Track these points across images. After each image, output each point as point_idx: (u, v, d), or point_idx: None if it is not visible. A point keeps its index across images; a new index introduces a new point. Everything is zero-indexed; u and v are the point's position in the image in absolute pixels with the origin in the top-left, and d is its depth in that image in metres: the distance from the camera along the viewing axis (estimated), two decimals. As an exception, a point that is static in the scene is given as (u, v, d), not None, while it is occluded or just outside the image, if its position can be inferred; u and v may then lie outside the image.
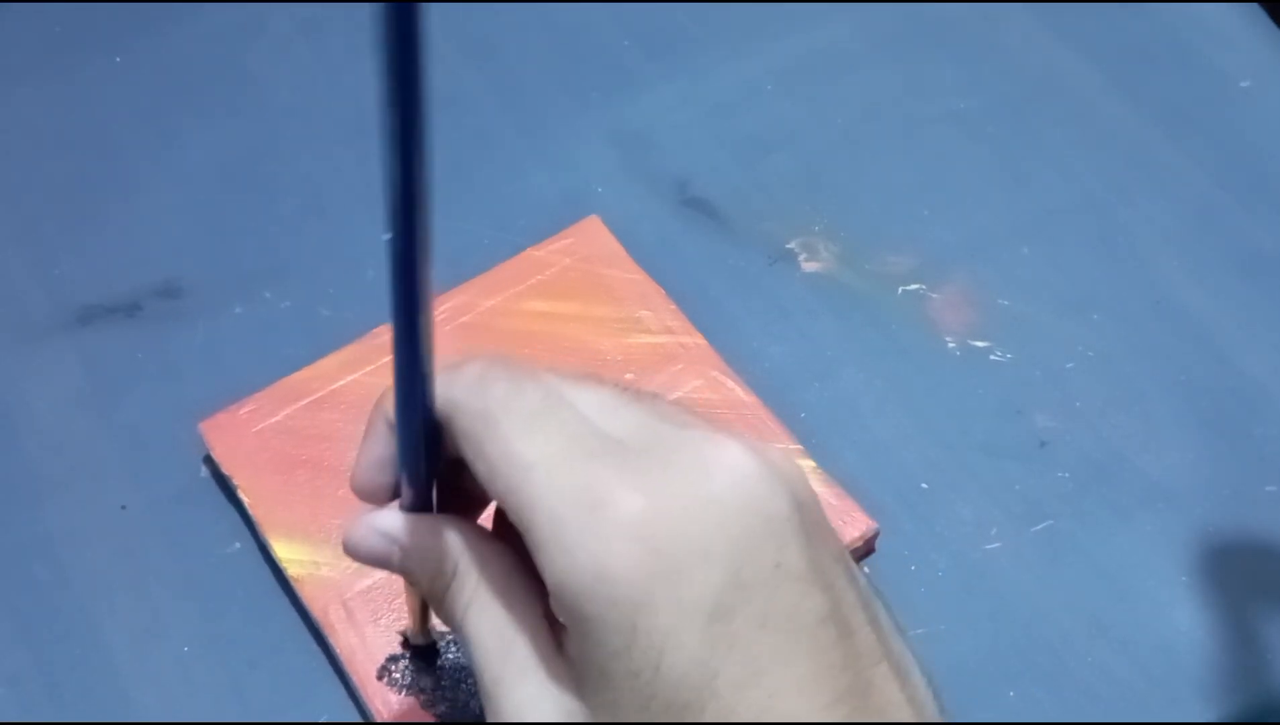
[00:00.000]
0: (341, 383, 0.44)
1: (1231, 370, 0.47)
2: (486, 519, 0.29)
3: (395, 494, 0.29)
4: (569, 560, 0.24)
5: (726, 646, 0.24)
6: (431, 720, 0.38)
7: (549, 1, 0.57)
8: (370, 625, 0.39)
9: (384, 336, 0.45)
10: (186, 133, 0.53)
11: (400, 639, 0.39)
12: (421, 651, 0.38)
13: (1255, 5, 0.58)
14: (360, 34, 0.56)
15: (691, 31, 0.57)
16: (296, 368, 0.44)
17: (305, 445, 0.42)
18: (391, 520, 0.29)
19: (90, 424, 0.45)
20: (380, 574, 0.40)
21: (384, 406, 0.28)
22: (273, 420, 0.43)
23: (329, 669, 0.40)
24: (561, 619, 0.26)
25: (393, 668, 0.38)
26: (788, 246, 0.50)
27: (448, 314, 0.46)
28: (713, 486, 0.25)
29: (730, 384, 0.44)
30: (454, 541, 0.28)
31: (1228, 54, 0.56)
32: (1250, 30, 0.57)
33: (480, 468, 0.26)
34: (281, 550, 0.40)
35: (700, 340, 0.45)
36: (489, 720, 0.27)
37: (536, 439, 0.26)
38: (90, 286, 0.48)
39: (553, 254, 0.47)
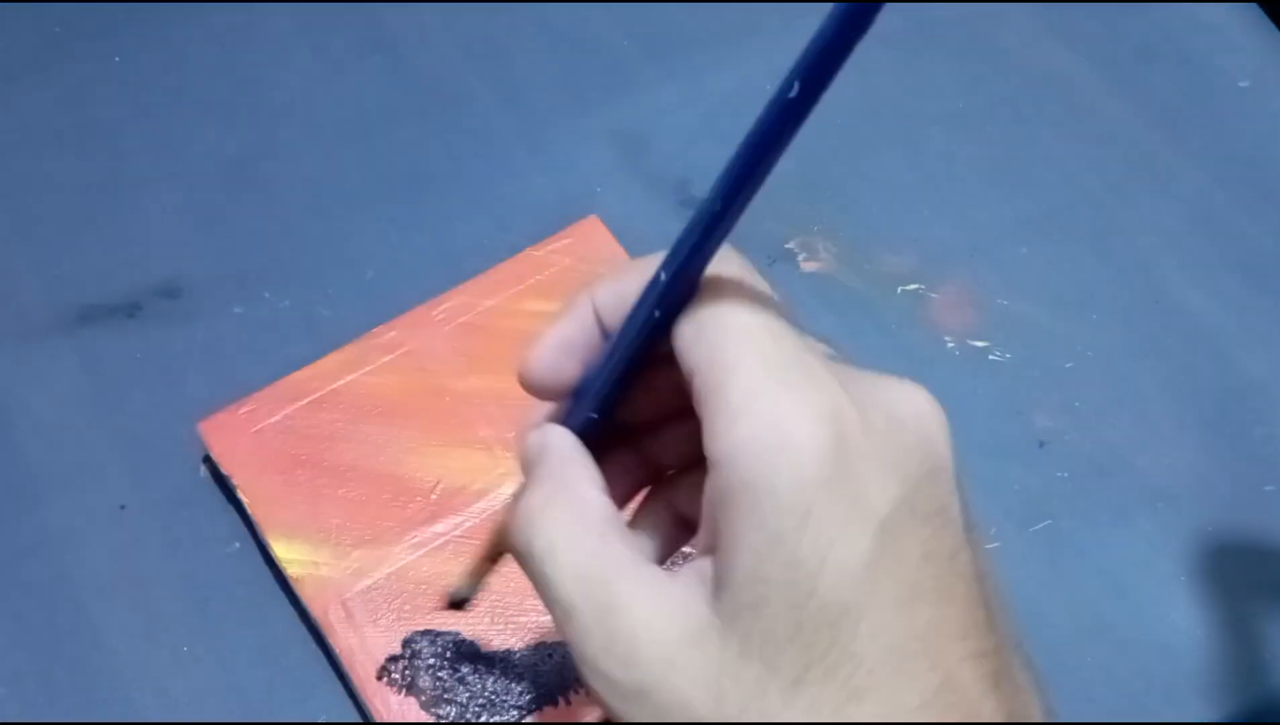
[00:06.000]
0: (341, 383, 0.44)
1: (1231, 370, 0.47)
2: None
3: (561, 395, 0.28)
4: (758, 423, 0.24)
5: (893, 562, 0.23)
6: (431, 721, 0.38)
7: (549, 1, 0.57)
8: (369, 625, 0.39)
9: (383, 336, 0.45)
10: (186, 133, 0.53)
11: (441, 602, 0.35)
12: (455, 604, 0.34)
13: (1255, 5, 0.58)
14: (360, 34, 0.56)
15: (691, 31, 0.56)
16: (296, 368, 0.44)
17: (305, 445, 0.42)
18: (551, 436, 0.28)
19: (89, 424, 0.45)
20: (379, 574, 0.40)
21: (594, 290, 0.28)
22: (272, 420, 0.43)
23: (328, 669, 0.40)
24: (716, 508, 0.24)
25: (392, 668, 0.38)
26: (787, 246, 0.50)
27: (446, 314, 0.46)
28: (905, 413, 0.25)
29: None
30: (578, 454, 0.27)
31: (1228, 54, 0.56)
32: (1250, 30, 0.57)
33: (687, 331, 0.26)
34: (281, 550, 0.40)
35: (700, 340, 0.45)
36: (592, 668, 0.24)
37: (744, 314, 0.26)
38: (90, 286, 0.48)
39: (552, 254, 0.47)
